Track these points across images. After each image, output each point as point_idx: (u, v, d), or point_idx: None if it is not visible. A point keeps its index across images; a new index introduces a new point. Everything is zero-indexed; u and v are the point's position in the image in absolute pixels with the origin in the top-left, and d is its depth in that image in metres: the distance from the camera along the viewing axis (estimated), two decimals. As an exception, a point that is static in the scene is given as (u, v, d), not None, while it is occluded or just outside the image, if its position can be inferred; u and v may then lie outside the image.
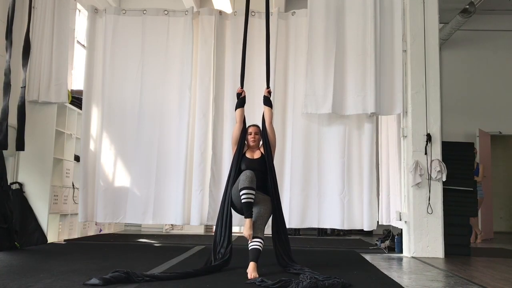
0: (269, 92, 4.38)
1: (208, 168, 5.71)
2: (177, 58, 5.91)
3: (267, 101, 4.31)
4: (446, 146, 5.55)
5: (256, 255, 3.63)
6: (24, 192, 5.56)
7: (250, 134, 4.23)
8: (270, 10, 5.10)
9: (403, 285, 3.36)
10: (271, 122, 4.24)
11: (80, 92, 6.27)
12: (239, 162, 4.10)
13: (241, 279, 3.38)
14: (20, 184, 5.56)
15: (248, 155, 4.16)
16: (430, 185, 5.32)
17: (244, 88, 4.39)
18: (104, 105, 5.90)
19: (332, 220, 5.67)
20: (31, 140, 5.52)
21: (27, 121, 5.31)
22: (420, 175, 5.30)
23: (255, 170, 3.97)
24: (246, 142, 4.24)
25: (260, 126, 4.28)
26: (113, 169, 5.87)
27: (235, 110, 4.30)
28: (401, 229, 5.54)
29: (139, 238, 6.77)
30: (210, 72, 5.87)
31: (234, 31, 5.88)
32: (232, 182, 4.01)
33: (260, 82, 5.76)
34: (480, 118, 9.22)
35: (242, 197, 3.74)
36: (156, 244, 6.08)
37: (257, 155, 4.16)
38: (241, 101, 4.30)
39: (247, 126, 4.28)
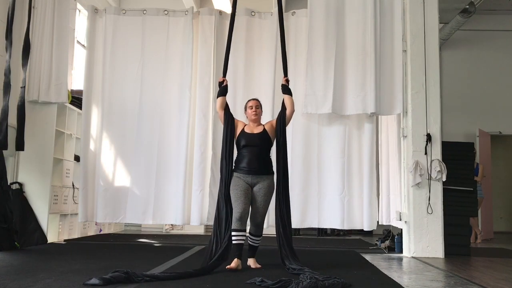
0: (287, 81, 4.36)
1: (208, 168, 5.71)
2: (177, 58, 5.91)
3: (286, 89, 4.29)
4: (446, 146, 5.55)
5: (254, 250, 3.69)
6: (24, 192, 5.55)
7: (251, 108, 4.16)
8: (270, 10, 5.12)
9: (403, 285, 3.36)
10: (292, 111, 4.21)
11: (80, 92, 6.27)
12: (239, 137, 4.03)
13: (241, 279, 3.38)
14: (20, 184, 5.56)
15: (247, 129, 4.09)
16: (430, 185, 5.31)
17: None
18: (104, 105, 5.90)
19: (332, 220, 5.67)
20: (31, 140, 5.52)
21: (27, 121, 5.32)
22: (420, 175, 5.30)
23: (256, 145, 3.98)
24: (246, 117, 4.22)
25: (260, 102, 4.27)
26: (113, 169, 5.87)
27: (217, 97, 4.28)
28: (401, 229, 5.54)
29: (139, 238, 6.77)
30: (210, 72, 5.86)
31: (234, 31, 5.85)
32: (226, 158, 4.00)
33: (260, 82, 5.77)
34: (480, 118, 9.22)
35: (233, 238, 3.77)
36: (156, 244, 6.08)
37: (258, 130, 4.08)
38: (223, 90, 4.28)
39: (247, 100, 4.28)
